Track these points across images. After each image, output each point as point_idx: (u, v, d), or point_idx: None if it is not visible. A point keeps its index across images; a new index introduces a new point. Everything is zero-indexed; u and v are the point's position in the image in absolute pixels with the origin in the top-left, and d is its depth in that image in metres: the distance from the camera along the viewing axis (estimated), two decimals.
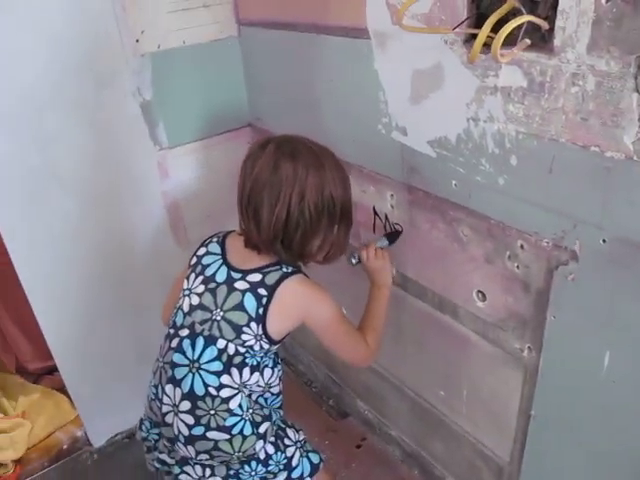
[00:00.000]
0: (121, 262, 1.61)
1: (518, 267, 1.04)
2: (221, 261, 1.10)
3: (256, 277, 1.06)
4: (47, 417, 1.84)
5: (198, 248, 1.16)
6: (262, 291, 1.04)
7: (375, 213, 1.35)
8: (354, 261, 1.27)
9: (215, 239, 1.15)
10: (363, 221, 1.39)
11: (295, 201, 1.00)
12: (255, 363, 1.07)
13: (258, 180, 1.01)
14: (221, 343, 1.04)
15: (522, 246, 1.01)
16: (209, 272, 1.09)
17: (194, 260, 1.14)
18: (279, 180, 0.99)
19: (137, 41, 1.41)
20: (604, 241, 0.87)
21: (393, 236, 1.30)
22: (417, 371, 1.48)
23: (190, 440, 1.07)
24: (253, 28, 1.52)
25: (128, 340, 1.70)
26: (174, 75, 1.50)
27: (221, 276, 1.08)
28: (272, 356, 1.11)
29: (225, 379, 1.04)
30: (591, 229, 0.88)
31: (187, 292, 1.11)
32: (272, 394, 1.14)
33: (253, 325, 1.03)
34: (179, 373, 1.06)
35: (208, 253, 1.13)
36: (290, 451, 1.16)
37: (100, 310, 1.62)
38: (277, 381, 1.14)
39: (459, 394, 1.35)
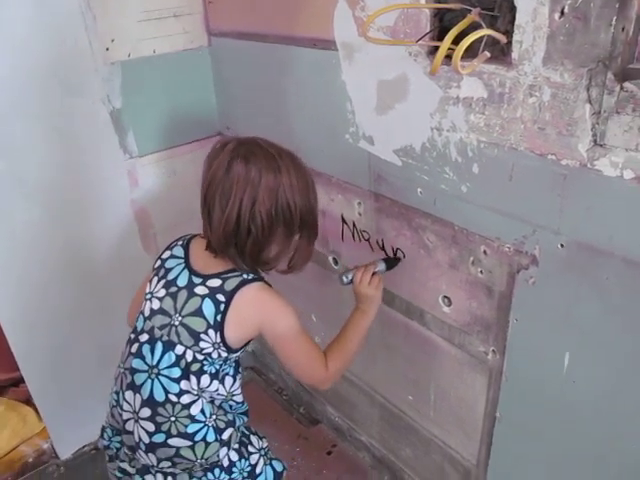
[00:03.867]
0: (90, 271, 1.60)
1: (482, 272, 1.07)
2: (183, 265, 1.07)
3: (216, 282, 1.03)
4: (11, 430, 1.81)
5: (163, 251, 1.14)
6: (220, 297, 1.01)
7: (344, 221, 1.37)
8: (345, 280, 1.19)
9: (180, 242, 1.13)
10: (332, 229, 1.41)
11: (246, 206, 0.96)
12: (214, 371, 1.05)
13: (213, 180, 0.98)
14: (179, 349, 1.02)
15: (485, 251, 1.05)
16: (171, 276, 1.07)
17: (158, 263, 1.12)
18: (230, 182, 0.96)
19: (107, 49, 1.42)
20: (562, 246, 0.91)
21: (392, 262, 1.25)
22: (386, 377, 1.50)
23: (151, 448, 1.05)
24: (223, 38, 1.54)
25: (96, 350, 1.69)
26: (144, 84, 1.51)
27: (182, 280, 1.05)
28: (233, 364, 1.09)
29: (185, 385, 1.03)
30: (549, 234, 0.92)
31: (149, 296, 1.09)
32: (236, 402, 1.13)
33: (211, 332, 1.01)
34: (139, 379, 1.05)
35: (172, 257, 1.11)
36: (254, 459, 1.15)
37: (68, 320, 1.61)
38: (239, 390, 1.12)
39: (427, 399, 1.37)
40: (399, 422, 1.52)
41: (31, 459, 1.77)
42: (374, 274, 1.18)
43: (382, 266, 1.22)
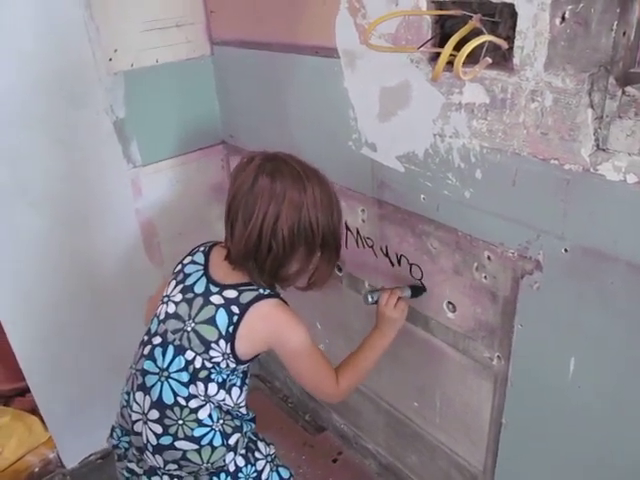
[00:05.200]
0: (94, 280, 1.60)
1: (486, 277, 1.07)
2: (202, 272, 1.09)
3: (232, 294, 1.04)
4: (18, 440, 1.80)
5: (185, 256, 1.15)
6: (235, 309, 1.02)
7: (348, 229, 1.37)
8: (371, 300, 1.20)
9: (202, 248, 1.14)
10: None
11: (269, 221, 0.96)
12: (221, 380, 1.06)
13: (237, 194, 1.00)
14: (189, 355, 1.03)
15: (489, 257, 1.04)
16: (189, 282, 1.08)
17: (178, 267, 1.13)
18: (254, 197, 0.97)
19: (110, 60, 1.43)
20: (566, 250, 0.90)
21: (417, 291, 1.23)
22: (391, 383, 1.49)
23: (158, 449, 1.07)
24: (225, 47, 1.55)
25: (101, 358, 1.69)
26: (147, 93, 1.52)
27: (200, 287, 1.06)
28: (240, 375, 1.10)
29: (193, 390, 1.04)
30: (553, 239, 0.91)
31: (166, 299, 1.10)
32: (242, 413, 1.13)
33: (222, 343, 1.02)
34: (149, 381, 1.06)
35: (192, 262, 1.12)
36: (260, 465, 1.15)
37: (73, 329, 1.61)
38: (244, 402, 1.13)
39: (432, 405, 1.37)
40: (405, 429, 1.51)
41: (37, 469, 1.77)
42: (399, 299, 1.18)
43: (408, 292, 1.22)
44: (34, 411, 1.82)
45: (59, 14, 1.32)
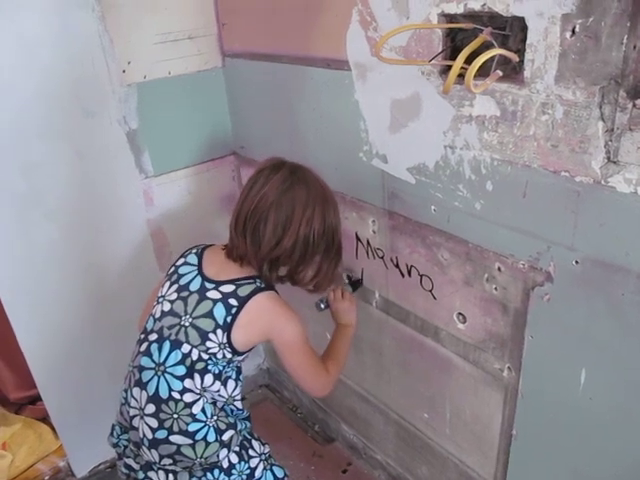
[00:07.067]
0: (106, 289, 1.61)
1: (496, 289, 1.07)
2: (197, 272, 1.13)
3: (229, 288, 1.09)
4: (29, 448, 1.81)
5: (177, 259, 1.20)
6: (233, 301, 1.07)
7: (358, 239, 1.38)
8: (322, 306, 1.35)
9: (194, 250, 1.19)
10: (346, 247, 1.41)
11: (304, 227, 1.06)
12: (217, 371, 1.09)
13: (266, 198, 1.05)
14: (186, 348, 1.06)
15: (499, 268, 1.05)
16: (184, 281, 1.13)
17: (172, 269, 1.18)
18: (290, 203, 1.05)
19: (124, 71, 1.45)
20: (576, 262, 0.91)
21: (356, 284, 1.41)
22: (401, 394, 1.49)
23: (154, 444, 1.08)
24: (237, 59, 1.57)
25: (112, 367, 1.69)
26: (160, 105, 1.54)
27: (195, 285, 1.11)
28: (235, 369, 1.13)
29: (188, 383, 1.06)
30: (564, 251, 0.92)
31: (161, 299, 1.14)
32: (237, 408, 1.16)
33: (219, 332, 1.06)
34: (146, 376, 1.09)
35: (185, 264, 1.16)
36: (254, 462, 1.17)
37: (85, 338, 1.62)
38: (240, 396, 1.16)
39: (442, 416, 1.37)
40: (415, 440, 1.51)
41: (47, 477, 1.77)
42: (343, 291, 1.33)
43: (349, 288, 1.39)
44: (45, 419, 1.84)
45: (74, 27, 1.34)
